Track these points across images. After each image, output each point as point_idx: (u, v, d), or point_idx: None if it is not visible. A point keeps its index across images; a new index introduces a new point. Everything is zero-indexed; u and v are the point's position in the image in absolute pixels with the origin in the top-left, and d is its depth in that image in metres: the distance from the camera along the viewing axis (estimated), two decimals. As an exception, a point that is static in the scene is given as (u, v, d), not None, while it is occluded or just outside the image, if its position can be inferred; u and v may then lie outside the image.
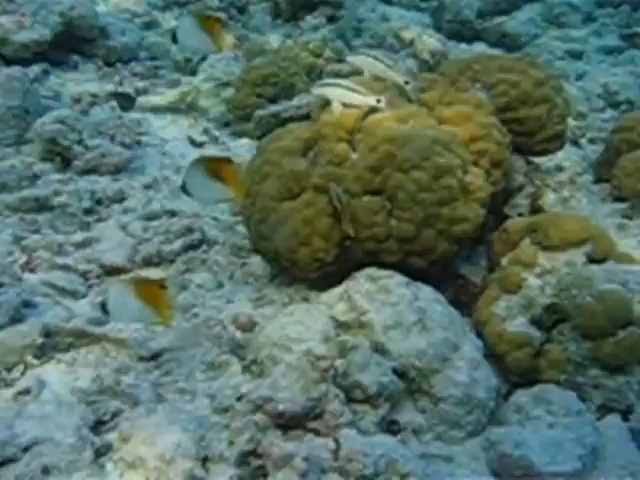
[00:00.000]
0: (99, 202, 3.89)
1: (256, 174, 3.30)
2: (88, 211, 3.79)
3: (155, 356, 2.75)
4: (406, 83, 3.26)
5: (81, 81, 5.07)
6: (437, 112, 3.28)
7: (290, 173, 3.15)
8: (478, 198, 3.11)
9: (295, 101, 4.58)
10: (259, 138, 4.41)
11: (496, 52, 8.11)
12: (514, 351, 2.83)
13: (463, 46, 8.25)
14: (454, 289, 3.36)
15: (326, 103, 3.25)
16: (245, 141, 4.74)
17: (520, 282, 2.95)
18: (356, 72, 3.43)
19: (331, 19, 6.95)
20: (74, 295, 3.11)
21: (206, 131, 4.78)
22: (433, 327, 2.72)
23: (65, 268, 3.22)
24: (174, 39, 2.79)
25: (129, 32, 5.54)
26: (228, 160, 2.61)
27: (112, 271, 3.33)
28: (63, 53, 5.27)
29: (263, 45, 5.95)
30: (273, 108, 4.50)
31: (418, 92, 3.32)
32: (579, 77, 7.63)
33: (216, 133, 4.80)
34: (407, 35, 5.89)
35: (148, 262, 3.42)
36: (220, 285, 3.37)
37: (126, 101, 4.64)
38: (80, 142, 4.08)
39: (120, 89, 5.01)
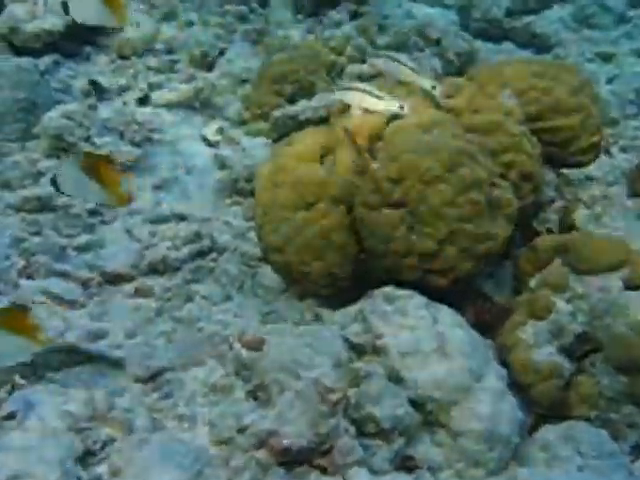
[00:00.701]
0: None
1: (269, 181, 3.10)
2: (93, 212, 3.61)
3: (154, 376, 2.56)
4: (433, 88, 3.04)
5: (93, 74, 4.87)
6: (464, 120, 3.07)
7: (305, 182, 2.95)
8: (506, 214, 2.89)
9: (314, 102, 4.37)
10: (275, 140, 4.22)
11: (524, 53, 7.91)
12: (541, 382, 2.62)
13: (490, 45, 8.01)
14: (476, 308, 3.15)
15: (345, 107, 3.04)
16: (261, 141, 4.53)
17: (549, 307, 2.74)
18: (378, 75, 3.21)
19: (354, 15, 6.71)
20: (71, 304, 2.93)
21: (221, 130, 4.57)
22: (453, 354, 2.51)
23: (64, 275, 3.04)
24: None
25: (144, 23, 5.34)
26: (107, 158, 2.34)
27: (114, 279, 3.15)
28: (75, 44, 5.07)
29: (283, 40, 5.73)
30: (290, 109, 4.29)
31: (445, 97, 3.11)
32: (609, 81, 7.37)
33: (231, 132, 4.59)
34: (432, 34, 5.65)
35: (153, 270, 3.24)
36: (228, 297, 3.18)
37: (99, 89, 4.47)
38: (87, 139, 3.90)
39: (136, 84, 4.81)
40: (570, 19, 8.72)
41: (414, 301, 2.67)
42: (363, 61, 5.73)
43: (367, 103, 2.94)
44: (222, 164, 4.28)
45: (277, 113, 4.28)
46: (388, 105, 2.93)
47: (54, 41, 4.86)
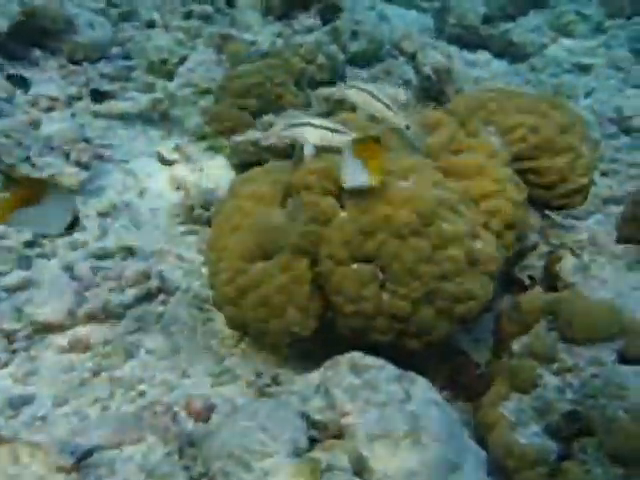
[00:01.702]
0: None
1: (225, 223, 2.76)
2: (29, 244, 3.23)
3: (82, 459, 2.20)
4: (407, 127, 2.73)
5: (41, 81, 4.48)
6: (443, 161, 2.76)
7: (264, 228, 2.62)
8: (488, 271, 2.59)
9: (278, 126, 4.02)
10: (235, 167, 3.87)
11: (500, 63, 7.65)
12: (526, 469, 2.32)
13: (466, 54, 7.73)
14: (452, 367, 2.87)
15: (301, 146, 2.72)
16: (222, 161, 4.18)
17: (534, 379, 2.43)
18: (347, 101, 2.87)
19: (326, 19, 6.36)
20: (-7, 364, 2.57)
21: (177, 147, 4.21)
22: (428, 441, 2.20)
23: (-13, 327, 2.68)
24: None
25: (99, 26, 4.94)
26: None
27: (46, 329, 2.79)
28: (22, 47, 4.67)
29: (249, 47, 5.37)
30: (252, 134, 3.93)
31: (421, 135, 2.79)
32: (587, 95, 7.13)
33: (189, 150, 4.22)
34: (409, 47, 5.33)
35: (92, 317, 2.88)
36: (176, 350, 2.84)
37: (20, 83, 4.05)
38: (27, 159, 3.52)
39: (87, 89, 4.42)
40: (547, 27, 8.49)
41: (384, 373, 2.35)
42: (333, 72, 5.41)
43: (324, 139, 2.62)
44: (178, 186, 3.93)
45: (237, 138, 3.92)
46: (345, 139, 2.61)
47: (-2, 44, 4.45)
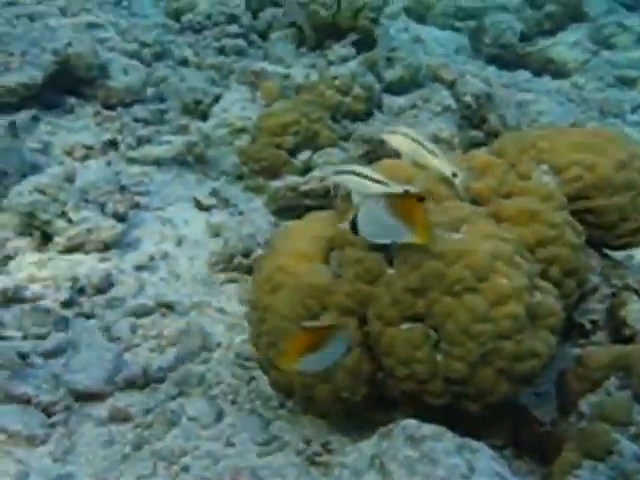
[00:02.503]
0: (81, 291, 3.23)
1: (266, 282, 2.63)
2: (67, 304, 3.14)
3: None
4: (454, 175, 2.57)
5: (75, 129, 4.43)
6: (494, 208, 2.59)
7: (308, 287, 2.48)
8: (549, 325, 2.42)
9: (317, 171, 3.90)
10: (274, 213, 3.74)
11: (541, 81, 7.43)
12: None
13: (505, 73, 7.54)
14: (512, 424, 2.68)
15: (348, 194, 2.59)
16: (260, 203, 4.06)
17: (609, 445, 2.24)
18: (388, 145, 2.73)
19: (360, 48, 6.24)
20: (30, 441, 2.45)
21: (214, 192, 4.10)
22: (494, 521, 2.03)
23: (22, 401, 2.56)
24: None
25: (132, 69, 4.88)
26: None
27: (84, 398, 2.67)
28: (57, 96, 4.63)
29: (283, 81, 5.25)
30: (291, 179, 3.81)
31: (469, 182, 2.63)
32: (634, 110, 6.91)
33: (226, 193, 4.12)
34: (447, 75, 5.17)
35: (132, 383, 2.76)
36: (219, 416, 2.70)
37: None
38: (63, 215, 3.44)
39: (115, 138, 4.34)
40: (588, 41, 8.26)
41: (443, 444, 2.19)
42: (369, 103, 5.26)
43: (366, 189, 2.48)
44: (216, 233, 3.82)
45: (276, 184, 3.80)
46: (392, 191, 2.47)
47: (32, 95, 4.39)
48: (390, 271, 2.41)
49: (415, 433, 2.22)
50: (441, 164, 2.57)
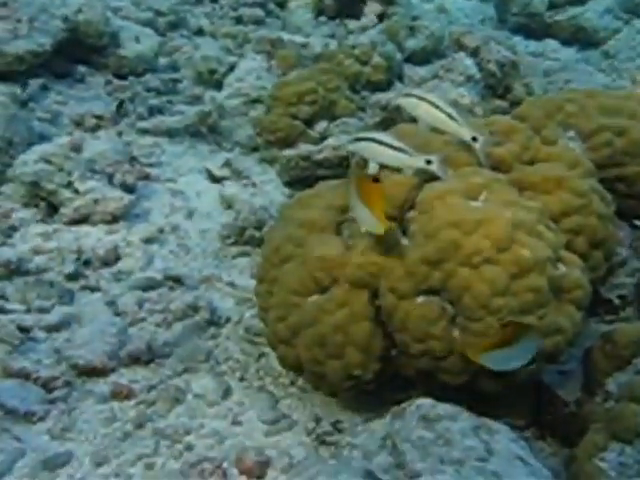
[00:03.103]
0: (87, 263, 3.12)
1: (275, 253, 2.50)
2: (72, 277, 3.03)
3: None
4: (474, 139, 2.41)
5: (86, 99, 4.30)
6: (516, 175, 2.44)
7: (318, 259, 2.34)
8: (575, 299, 2.26)
9: (332, 140, 3.74)
10: (287, 185, 3.60)
11: (569, 51, 7.19)
12: (628, 535, 1.99)
13: (532, 43, 7.31)
14: (535, 404, 2.55)
15: (363, 163, 2.44)
16: (275, 175, 3.93)
17: (639, 427, 2.10)
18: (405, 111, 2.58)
19: (382, 17, 6.05)
20: (27, 418, 2.35)
21: (227, 163, 3.96)
22: (513, 508, 1.89)
23: (21, 376, 2.46)
24: None
25: (145, 38, 4.74)
26: None
27: (86, 373, 2.57)
28: (67, 64, 4.50)
29: (300, 50, 5.09)
30: (304, 148, 3.66)
31: (490, 147, 2.47)
32: (669, 82, 6.65)
33: (239, 164, 3.98)
34: (470, 42, 4.97)
35: (136, 358, 2.65)
36: (227, 393, 2.59)
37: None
38: (69, 185, 3.32)
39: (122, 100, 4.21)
40: (620, 9, 7.97)
41: (460, 425, 2.05)
42: (390, 73, 5.08)
43: (385, 158, 2.34)
44: (228, 205, 3.69)
45: (288, 152, 3.65)
46: (412, 160, 2.32)
47: (41, 63, 4.27)
48: (405, 241, 2.27)
49: (429, 412, 2.09)
50: (460, 128, 2.41)
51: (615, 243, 2.50)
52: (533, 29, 7.71)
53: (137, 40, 4.64)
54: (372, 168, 2.36)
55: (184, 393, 2.54)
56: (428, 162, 2.34)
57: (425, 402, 2.14)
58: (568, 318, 2.23)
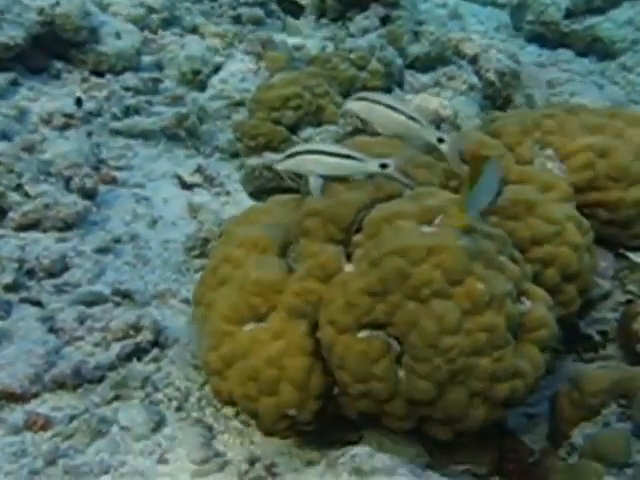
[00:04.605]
0: (30, 273, 2.90)
1: (212, 274, 2.26)
2: (10, 288, 2.81)
3: None
4: (440, 141, 2.16)
5: (59, 96, 4.09)
6: (483, 197, 2.17)
7: (254, 283, 2.10)
8: (538, 339, 2.01)
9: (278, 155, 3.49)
10: (252, 196, 3.36)
11: (583, 62, 6.89)
12: None
13: (545, 52, 7.03)
14: (498, 451, 2.29)
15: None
16: (251, 185, 3.69)
17: (601, 489, 1.84)
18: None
19: (385, 20, 5.80)
20: None
21: (199, 169, 3.73)
22: None
23: None
24: None
25: (127, 34, 4.52)
26: None
27: (5, 398, 2.34)
28: (43, 59, 4.29)
29: (293, 53, 4.86)
30: (267, 156, 3.42)
31: (459, 145, 2.22)
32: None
33: (213, 171, 3.75)
34: (468, 50, 4.71)
35: (62, 383, 2.42)
36: (158, 425, 2.35)
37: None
38: (18, 188, 3.11)
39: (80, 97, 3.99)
40: (640, 20, 7.65)
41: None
42: (388, 79, 4.84)
43: (331, 167, 2.10)
44: (195, 214, 3.46)
45: (252, 162, 3.41)
46: (364, 167, 2.08)
47: (12, 57, 4.07)
48: (349, 268, 2.02)
49: (364, 464, 1.86)
50: (423, 130, 2.16)
51: (590, 275, 2.24)
52: (549, 38, 7.44)
53: (118, 36, 4.42)
54: (313, 184, 2.11)
55: (109, 424, 2.30)
56: (383, 166, 2.09)
57: (362, 451, 1.91)
58: (529, 360, 1.98)
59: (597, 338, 2.52)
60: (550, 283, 2.13)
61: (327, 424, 2.17)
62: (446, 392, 1.93)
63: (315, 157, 2.11)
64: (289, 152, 2.20)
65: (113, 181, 3.60)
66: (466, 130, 2.49)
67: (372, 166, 2.09)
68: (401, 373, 1.95)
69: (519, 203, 2.14)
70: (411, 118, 2.18)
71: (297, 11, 5.21)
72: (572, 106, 2.48)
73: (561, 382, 2.30)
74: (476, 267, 1.91)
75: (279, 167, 2.19)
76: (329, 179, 2.14)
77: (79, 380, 2.44)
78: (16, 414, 2.29)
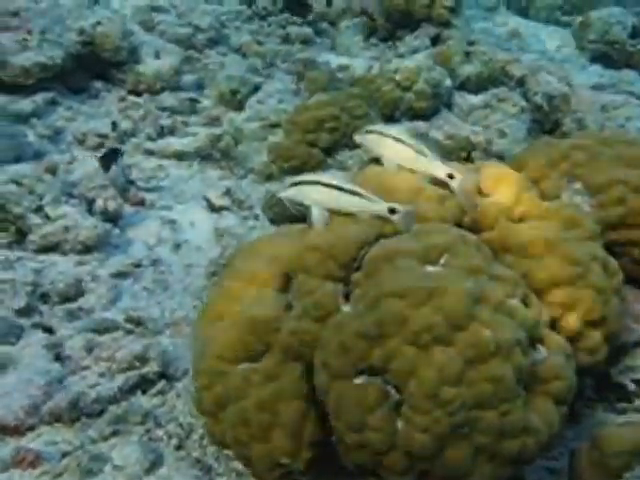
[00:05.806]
0: (43, 297, 2.85)
1: (210, 309, 2.15)
2: (22, 312, 2.76)
3: None
4: (450, 177, 2.01)
5: (95, 116, 4.07)
6: (499, 234, 2.02)
7: (249, 320, 1.98)
8: (553, 391, 1.83)
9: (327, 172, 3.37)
10: (272, 222, 3.25)
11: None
12: None
13: (607, 73, 6.75)
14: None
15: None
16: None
17: None
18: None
19: (436, 40, 5.65)
20: None
21: (228, 191, 3.65)
22: None
23: None
24: None
25: (167, 54, 4.49)
26: None
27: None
28: (84, 79, 4.29)
29: (336, 73, 4.75)
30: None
31: (471, 183, 2.07)
32: None
33: (243, 195, 3.66)
34: (516, 71, 4.52)
35: (59, 416, 2.33)
36: (154, 465, 2.24)
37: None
38: (39, 209, 3.07)
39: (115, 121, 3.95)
40: None
41: None
42: (435, 100, 4.68)
43: (334, 203, 1.99)
44: (221, 238, 3.37)
45: (272, 187, 3.30)
46: (372, 207, 1.96)
47: (50, 76, 4.06)
48: (346, 308, 1.88)
49: (351, 525, 1.70)
50: (432, 165, 2.02)
51: (620, 320, 2.05)
52: (612, 58, 7.16)
53: (157, 56, 4.39)
54: (315, 215, 1.99)
55: (102, 462, 2.20)
56: (392, 211, 1.96)
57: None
58: (542, 415, 1.81)
59: (631, 387, 2.32)
60: (571, 329, 1.95)
61: (325, 472, 2.03)
62: (447, 447, 1.76)
63: (319, 189, 2.00)
64: (294, 181, 2.09)
65: (141, 203, 3.54)
66: (486, 163, 2.31)
67: (379, 208, 1.97)
68: (400, 425, 1.80)
69: (537, 242, 1.97)
70: (420, 152, 2.05)
71: (304, 11, 5.10)
72: (607, 136, 2.29)
73: (587, 435, 2.12)
74: (482, 312, 1.75)
75: (282, 195, 2.09)
76: (334, 212, 2.02)
77: (77, 413, 2.36)
78: (6, 449, 2.20)
